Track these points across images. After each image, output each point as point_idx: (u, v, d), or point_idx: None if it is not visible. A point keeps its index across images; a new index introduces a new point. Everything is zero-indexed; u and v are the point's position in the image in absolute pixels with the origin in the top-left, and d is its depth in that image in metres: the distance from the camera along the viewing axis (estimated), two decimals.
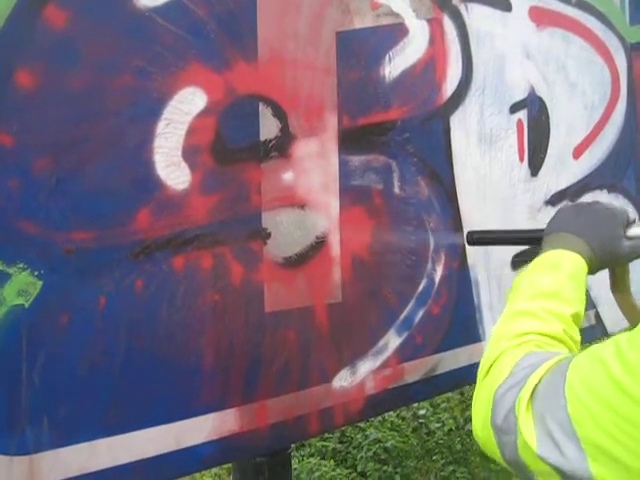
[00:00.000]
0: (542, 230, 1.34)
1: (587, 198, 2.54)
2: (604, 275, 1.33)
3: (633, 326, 1.38)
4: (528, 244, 1.57)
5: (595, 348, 0.87)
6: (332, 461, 4.08)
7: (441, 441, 4.34)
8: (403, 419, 4.57)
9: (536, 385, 0.89)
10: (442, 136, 1.91)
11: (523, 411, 0.88)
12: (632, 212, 1.31)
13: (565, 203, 2.43)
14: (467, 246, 2.00)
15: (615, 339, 0.85)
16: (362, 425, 4.33)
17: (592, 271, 1.22)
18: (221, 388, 1.42)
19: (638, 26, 2.78)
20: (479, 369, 1.05)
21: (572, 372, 0.86)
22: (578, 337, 1.09)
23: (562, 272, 1.16)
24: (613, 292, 1.37)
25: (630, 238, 1.26)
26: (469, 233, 1.66)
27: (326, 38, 1.60)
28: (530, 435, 0.86)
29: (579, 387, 0.83)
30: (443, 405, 4.68)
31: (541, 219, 2.30)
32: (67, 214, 1.19)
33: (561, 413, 0.83)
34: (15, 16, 1.12)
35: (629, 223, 1.28)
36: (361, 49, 1.68)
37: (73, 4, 1.19)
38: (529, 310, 1.09)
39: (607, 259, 1.25)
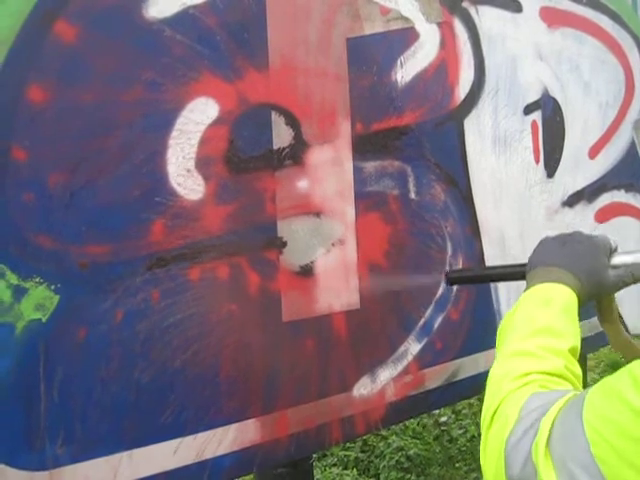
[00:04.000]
0: (524, 265, 1.31)
1: (604, 198, 2.52)
2: None
3: (625, 357, 1.35)
4: (510, 280, 1.54)
5: (608, 382, 0.84)
6: (355, 470, 4.05)
7: (464, 448, 4.30)
8: (425, 426, 4.54)
9: (551, 429, 0.84)
10: (456, 139, 1.90)
11: (542, 458, 0.83)
12: (613, 240, 1.28)
13: (581, 203, 2.41)
14: (484, 250, 1.98)
15: (628, 369, 0.82)
16: (384, 433, 4.30)
17: (581, 303, 1.19)
18: (241, 399, 1.41)
19: None
20: (482, 416, 0.99)
21: (589, 411, 0.82)
22: (579, 371, 1.05)
23: (555, 307, 1.12)
24: (601, 323, 1.35)
25: (615, 267, 1.24)
26: (447, 273, 1.62)
27: (337, 45, 1.59)
28: None
29: (600, 425, 0.79)
30: (464, 411, 4.65)
31: (559, 220, 2.28)
32: (82, 228, 1.19)
33: (584, 455, 0.79)
34: (25, 32, 1.13)
35: (612, 252, 1.26)
36: (372, 55, 1.67)
37: (83, 19, 1.20)
38: (526, 349, 1.04)
39: (594, 290, 1.22)
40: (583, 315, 1.34)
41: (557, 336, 1.07)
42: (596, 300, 1.30)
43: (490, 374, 1.05)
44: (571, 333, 1.10)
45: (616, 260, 1.24)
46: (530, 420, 0.88)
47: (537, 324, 1.09)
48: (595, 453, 0.77)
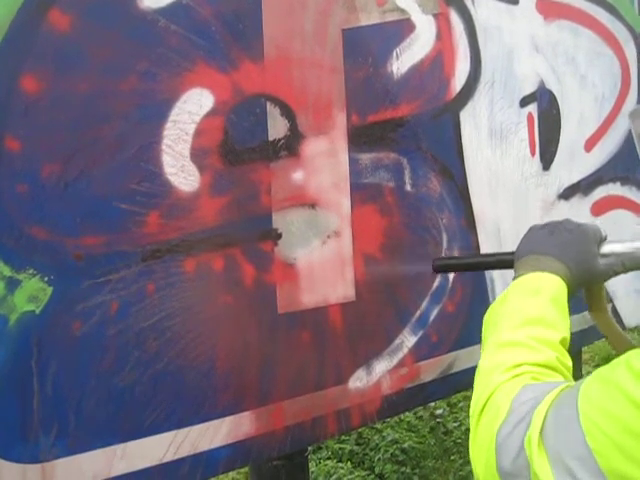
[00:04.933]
0: (512, 253, 1.29)
1: (600, 191, 2.52)
2: None
3: (615, 348, 1.34)
4: (498, 268, 1.52)
5: (604, 373, 0.83)
6: (349, 463, 4.05)
7: (459, 440, 4.31)
8: (420, 419, 4.55)
9: (544, 420, 0.83)
10: (452, 132, 1.90)
11: (535, 450, 0.81)
12: (602, 229, 1.26)
13: (577, 196, 2.41)
14: (480, 243, 1.98)
15: (625, 359, 0.80)
16: (379, 426, 4.30)
17: (570, 292, 1.17)
18: (236, 391, 1.41)
19: None
20: (471, 409, 0.98)
21: (584, 402, 0.80)
22: (570, 363, 1.03)
23: (544, 296, 1.10)
24: (590, 311, 1.33)
25: (604, 255, 1.22)
26: (433, 261, 1.59)
27: (332, 36, 1.58)
28: (547, 476, 0.79)
29: (597, 417, 0.77)
30: (460, 404, 4.66)
31: (554, 213, 2.28)
32: (76, 219, 1.18)
33: (580, 447, 0.77)
34: (19, 21, 1.12)
35: (601, 240, 1.24)
36: (368, 46, 1.67)
37: (77, 8, 1.19)
38: (517, 340, 1.02)
39: (584, 279, 1.20)
40: (578, 308, 1.34)
41: (548, 327, 1.05)
42: (585, 289, 1.29)
43: (479, 365, 1.04)
44: (562, 324, 1.08)
45: (606, 249, 1.23)
46: (522, 412, 0.87)
47: (527, 314, 1.07)
48: (592, 445, 0.76)
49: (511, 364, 0.98)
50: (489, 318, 1.15)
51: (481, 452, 0.91)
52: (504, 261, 1.38)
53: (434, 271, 1.57)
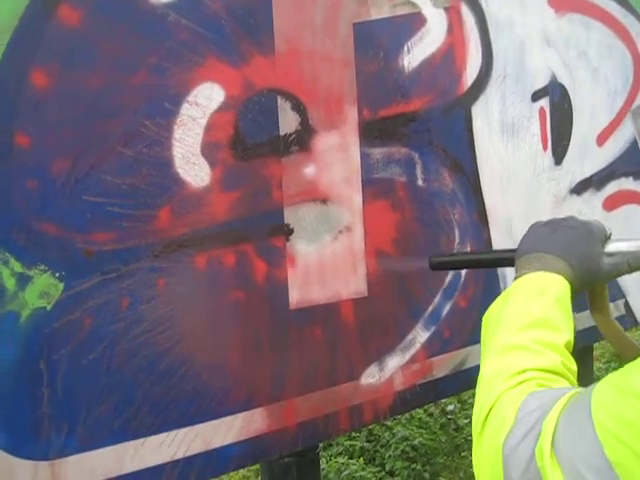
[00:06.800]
0: (512, 250, 1.25)
1: (612, 186, 2.50)
2: None
3: (618, 351, 1.30)
4: (498, 266, 1.46)
5: (617, 380, 0.79)
6: (361, 460, 4.05)
7: (470, 437, 4.29)
8: (431, 415, 4.53)
9: (555, 430, 0.80)
10: (464, 126, 1.88)
11: (548, 461, 0.78)
12: (607, 227, 1.21)
13: (589, 191, 2.39)
14: (492, 238, 1.97)
15: (638, 364, 0.77)
16: (389, 423, 4.29)
17: (574, 293, 1.12)
18: (248, 387, 1.40)
19: None
20: (474, 417, 0.94)
21: (599, 411, 0.77)
22: (575, 367, 0.99)
23: (548, 297, 1.06)
24: (592, 312, 1.29)
25: (610, 254, 1.18)
26: (430, 258, 1.52)
27: (343, 29, 1.57)
28: None
29: (615, 427, 0.74)
30: (471, 401, 4.64)
31: (566, 208, 2.26)
32: (86, 215, 1.18)
33: (597, 459, 0.74)
34: (28, 16, 1.11)
35: (606, 238, 1.20)
36: (379, 40, 1.65)
37: (86, 2, 1.18)
38: (521, 344, 0.98)
39: (588, 278, 1.15)
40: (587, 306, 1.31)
41: (553, 329, 1.01)
42: (588, 289, 1.25)
43: (482, 370, 1.01)
44: (566, 326, 1.04)
45: (611, 247, 1.18)
46: (530, 422, 0.84)
47: (531, 316, 1.03)
48: (610, 456, 0.73)
49: (515, 370, 0.95)
50: (490, 319, 1.11)
51: (486, 463, 0.88)
52: (504, 259, 1.34)
53: (431, 268, 1.53)
